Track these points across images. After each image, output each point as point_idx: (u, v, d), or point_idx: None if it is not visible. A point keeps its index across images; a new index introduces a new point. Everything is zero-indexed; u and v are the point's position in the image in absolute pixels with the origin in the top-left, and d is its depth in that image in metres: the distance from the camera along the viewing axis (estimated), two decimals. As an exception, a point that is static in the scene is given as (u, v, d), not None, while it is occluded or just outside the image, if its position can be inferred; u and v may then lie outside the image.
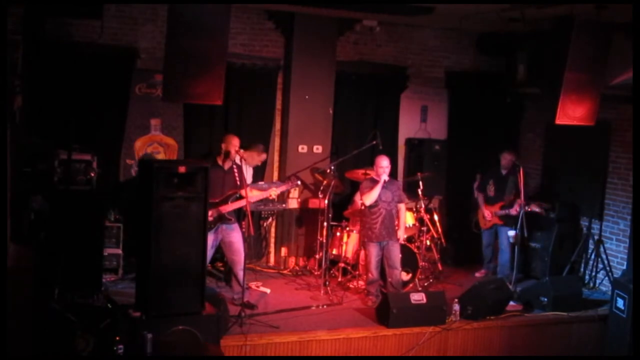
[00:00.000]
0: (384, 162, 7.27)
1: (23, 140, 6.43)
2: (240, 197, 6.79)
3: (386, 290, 7.33)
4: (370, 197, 7.22)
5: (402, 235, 7.51)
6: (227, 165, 6.85)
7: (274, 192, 7.14)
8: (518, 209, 7.88)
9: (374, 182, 7.29)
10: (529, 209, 7.92)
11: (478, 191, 8.66)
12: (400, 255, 7.42)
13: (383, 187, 7.23)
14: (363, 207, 7.38)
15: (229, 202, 6.77)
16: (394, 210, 7.35)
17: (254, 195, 6.97)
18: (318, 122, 8.63)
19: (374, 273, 7.33)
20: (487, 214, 8.45)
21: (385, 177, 7.22)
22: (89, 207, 6.77)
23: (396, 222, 7.39)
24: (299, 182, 7.65)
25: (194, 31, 5.93)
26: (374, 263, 7.29)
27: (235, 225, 6.88)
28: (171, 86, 6.10)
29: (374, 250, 7.28)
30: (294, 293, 7.73)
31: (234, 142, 6.81)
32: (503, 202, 8.31)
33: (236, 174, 6.81)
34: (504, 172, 8.46)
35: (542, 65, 7.81)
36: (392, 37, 9.08)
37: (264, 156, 8.13)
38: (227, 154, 6.80)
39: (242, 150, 6.86)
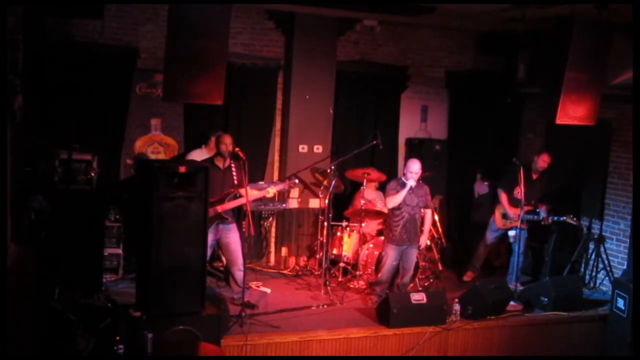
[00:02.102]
0: (414, 167, 7.10)
1: (23, 140, 6.42)
2: (238, 196, 6.78)
3: (389, 290, 7.33)
4: (393, 201, 7.13)
5: (424, 241, 7.48)
6: (224, 165, 6.84)
7: (271, 190, 7.13)
8: (549, 219, 7.82)
9: (401, 184, 7.18)
10: (564, 219, 7.85)
11: (502, 190, 8.14)
12: (415, 260, 7.43)
13: (409, 192, 7.13)
14: (387, 209, 7.34)
15: (226, 201, 6.75)
16: (417, 215, 7.25)
17: (251, 194, 6.96)
18: (318, 122, 8.63)
19: (385, 275, 7.30)
20: (514, 214, 7.96)
21: (412, 182, 7.08)
22: (89, 207, 6.78)
23: (420, 227, 7.35)
24: (296, 181, 7.63)
25: (194, 31, 5.93)
26: (388, 265, 7.24)
27: (233, 226, 6.86)
28: (171, 86, 6.10)
29: (391, 253, 7.22)
30: (294, 293, 7.74)
31: (227, 141, 6.77)
32: (531, 207, 7.94)
33: (234, 173, 6.80)
34: (534, 175, 8.09)
35: (542, 65, 7.81)
36: (392, 37, 9.08)
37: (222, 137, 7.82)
38: (225, 154, 6.80)
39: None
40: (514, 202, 8.03)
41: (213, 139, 7.45)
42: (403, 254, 7.26)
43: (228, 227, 6.83)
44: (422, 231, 7.42)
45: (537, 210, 7.94)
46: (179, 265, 5.72)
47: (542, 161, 8.06)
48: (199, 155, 7.60)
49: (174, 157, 8.23)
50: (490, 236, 8.41)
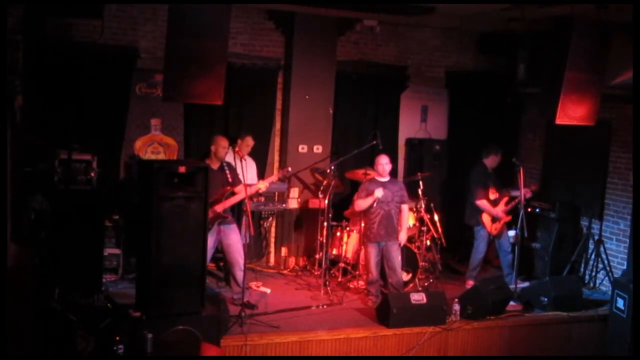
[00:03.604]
0: (383, 160, 7.29)
1: (23, 140, 6.43)
2: (233, 194, 6.80)
3: (386, 290, 7.33)
4: (359, 206, 7.30)
5: (403, 237, 7.44)
6: (216, 165, 6.85)
7: (261, 185, 7.11)
8: (528, 193, 7.90)
9: (374, 183, 7.26)
10: (527, 195, 7.92)
11: (481, 197, 8.07)
12: (400, 257, 7.40)
13: (383, 187, 7.22)
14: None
15: (223, 200, 6.77)
16: (393, 210, 7.31)
17: (244, 191, 6.95)
18: (318, 122, 8.63)
19: (373, 273, 7.32)
20: (502, 213, 8.04)
21: (379, 193, 7.15)
22: (89, 207, 6.78)
23: (397, 223, 7.37)
24: (289, 169, 7.57)
25: (194, 31, 5.93)
26: (373, 263, 7.28)
27: (234, 225, 6.89)
28: (171, 86, 6.10)
29: (372, 251, 7.28)
30: (294, 293, 7.73)
31: (222, 143, 6.84)
32: (506, 198, 8.09)
33: (227, 173, 6.85)
34: (491, 171, 8.22)
35: (542, 65, 7.82)
36: (392, 37, 9.08)
37: (248, 139, 7.84)
38: (216, 155, 6.83)
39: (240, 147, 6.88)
40: (492, 204, 8.12)
41: (239, 141, 7.65)
42: (384, 252, 7.28)
43: (229, 227, 6.85)
44: (400, 227, 7.42)
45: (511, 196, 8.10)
46: (178, 265, 5.72)
47: (495, 161, 8.17)
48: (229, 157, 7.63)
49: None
50: (484, 246, 8.23)
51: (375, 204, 7.23)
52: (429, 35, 9.26)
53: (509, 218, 8.12)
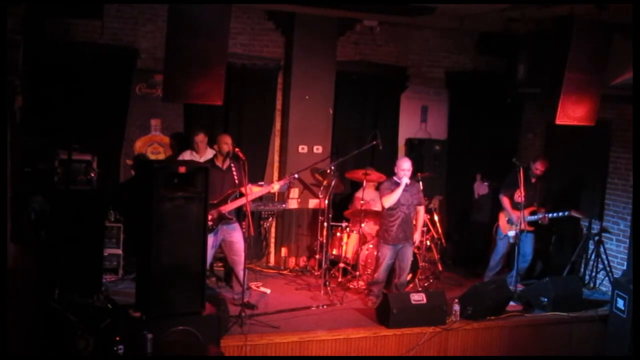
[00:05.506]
0: (406, 165, 7.14)
1: (23, 140, 6.42)
2: (241, 195, 6.77)
3: (388, 290, 7.33)
4: (390, 200, 7.13)
5: (418, 238, 7.48)
6: (225, 165, 6.84)
7: (275, 186, 7.12)
8: (546, 218, 7.81)
9: (395, 184, 7.19)
10: (568, 214, 7.86)
11: (504, 194, 8.05)
12: (412, 259, 7.40)
13: (404, 190, 7.13)
14: (382, 209, 7.31)
15: (229, 202, 6.75)
16: (412, 213, 7.28)
17: (255, 192, 6.96)
18: (318, 122, 8.64)
19: (381, 275, 7.28)
20: (518, 218, 7.79)
21: (406, 180, 7.10)
22: (89, 207, 6.78)
23: (413, 224, 7.35)
24: (296, 176, 7.59)
25: (194, 31, 5.93)
26: (385, 265, 7.23)
27: (236, 225, 6.87)
28: (171, 86, 6.10)
29: (387, 253, 7.21)
30: (294, 293, 7.73)
31: (228, 141, 6.79)
32: (534, 208, 7.90)
33: (234, 173, 6.80)
34: (533, 179, 7.99)
35: (542, 65, 7.80)
36: (392, 37, 9.08)
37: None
38: (228, 154, 6.79)
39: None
40: (516, 206, 7.91)
41: (195, 139, 7.70)
42: (399, 253, 7.26)
43: (232, 227, 6.83)
44: (415, 228, 7.42)
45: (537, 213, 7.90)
46: (178, 266, 5.71)
47: (536, 169, 7.96)
48: (188, 156, 7.65)
49: (167, 157, 8.25)
50: (503, 246, 8.15)
51: (398, 206, 7.14)
52: (429, 35, 9.26)
53: (523, 226, 7.79)
